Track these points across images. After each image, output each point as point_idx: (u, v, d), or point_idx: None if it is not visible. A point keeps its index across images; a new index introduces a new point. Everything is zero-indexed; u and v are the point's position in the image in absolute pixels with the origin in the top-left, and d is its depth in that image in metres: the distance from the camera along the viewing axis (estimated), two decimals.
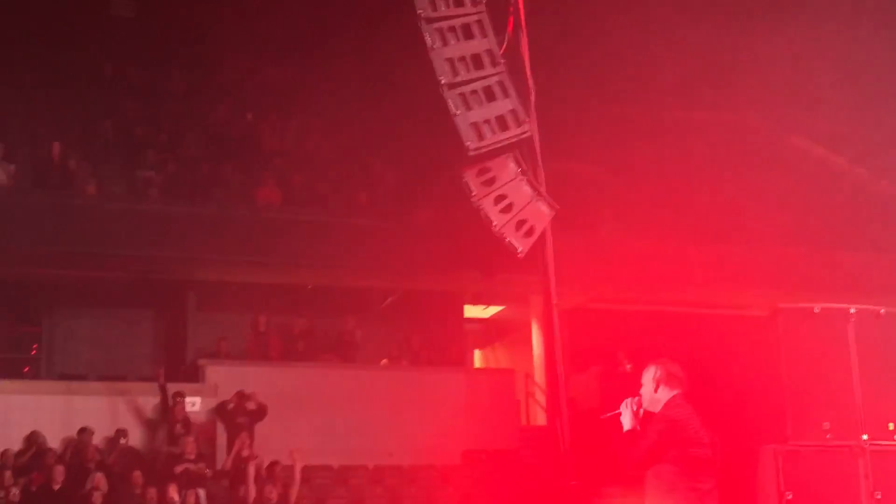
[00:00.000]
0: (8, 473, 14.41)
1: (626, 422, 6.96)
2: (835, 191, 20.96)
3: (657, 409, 6.86)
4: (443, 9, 9.21)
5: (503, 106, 9.73)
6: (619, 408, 7.03)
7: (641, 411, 6.97)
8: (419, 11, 9.03)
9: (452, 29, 9.33)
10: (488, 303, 21.33)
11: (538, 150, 11.58)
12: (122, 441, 15.75)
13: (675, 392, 6.84)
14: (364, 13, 20.03)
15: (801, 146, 21.81)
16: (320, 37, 20.93)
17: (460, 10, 9.34)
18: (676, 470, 6.57)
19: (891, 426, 9.33)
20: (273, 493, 14.82)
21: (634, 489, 7.07)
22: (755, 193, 19.54)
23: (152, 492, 14.39)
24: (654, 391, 6.93)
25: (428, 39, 9.21)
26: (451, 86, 9.36)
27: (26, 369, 18.65)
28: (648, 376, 6.99)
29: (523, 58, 10.77)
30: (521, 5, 9.63)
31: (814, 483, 8.94)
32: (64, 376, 17.84)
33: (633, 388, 7.13)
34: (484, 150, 9.56)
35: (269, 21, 20.27)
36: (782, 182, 20.09)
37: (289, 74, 21.85)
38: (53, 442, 15.61)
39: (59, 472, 14.51)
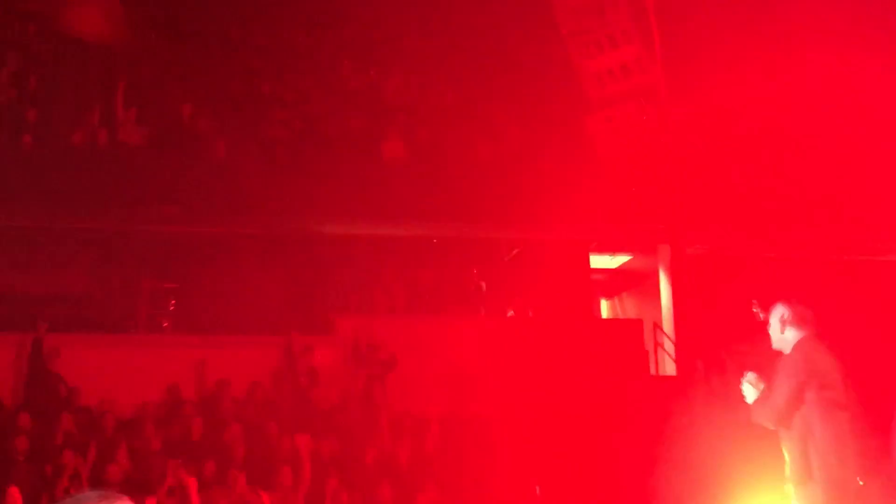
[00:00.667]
0: (149, 425, 14.84)
1: (750, 395, 6.89)
2: None
3: (787, 350, 6.77)
4: None
5: (628, 52, 9.70)
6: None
7: (761, 384, 6.88)
8: None
9: None
10: (615, 252, 21.19)
11: (664, 95, 11.55)
12: (258, 393, 16.04)
13: (804, 333, 6.74)
14: None
15: None
16: None
17: None
18: (817, 413, 6.47)
19: None
20: (407, 443, 15.04)
21: None
22: None
23: (287, 441, 14.67)
24: (781, 331, 6.84)
25: None
26: (574, 33, 9.36)
27: (165, 324, 19.05)
28: (776, 316, 6.89)
29: (646, 2, 10.69)
30: None
31: None
32: (200, 330, 18.16)
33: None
34: (608, 97, 9.56)
35: None
36: None
37: (410, 28, 21.81)
38: (191, 394, 16.01)
39: (198, 423, 14.90)
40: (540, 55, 17.96)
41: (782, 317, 6.82)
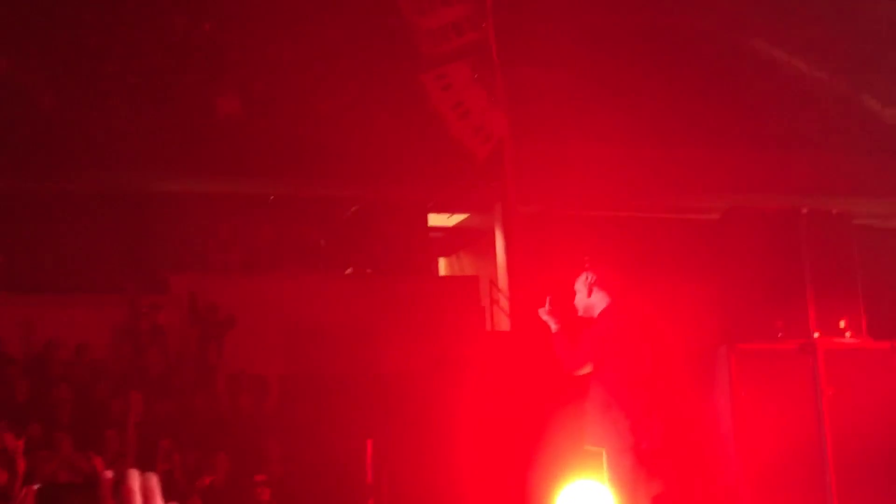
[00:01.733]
0: None
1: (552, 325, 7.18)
2: (791, 94, 20.99)
3: (594, 314, 7.03)
4: None
5: (459, 10, 9.75)
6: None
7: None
8: None
9: None
10: (452, 211, 21.44)
11: (495, 55, 11.61)
12: (88, 353, 15.84)
13: (608, 299, 7.02)
14: None
15: (758, 49, 21.75)
16: None
17: None
18: (610, 389, 6.77)
19: (842, 324, 9.49)
20: (245, 402, 15.02)
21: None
22: (712, 96, 19.60)
23: (118, 403, 14.51)
24: (587, 296, 7.11)
25: None
26: None
27: None
28: (581, 282, 7.16)
29: None
30: None
31: (766, 383, 9.09)
32: (27, 289, 17.82)
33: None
34: (441, 55, 9.60)
35: None
36: (739, 84, 20.13)
37: None
38: (18, 355, 15.70)
39: (23, 385, 14.62)
40: (377, 9, 17.94)
41: (587, 281, 7.09)
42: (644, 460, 7.30)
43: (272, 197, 19.34)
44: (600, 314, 7.21)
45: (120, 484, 2.02)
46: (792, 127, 20.00)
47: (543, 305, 7.58)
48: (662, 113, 19.02)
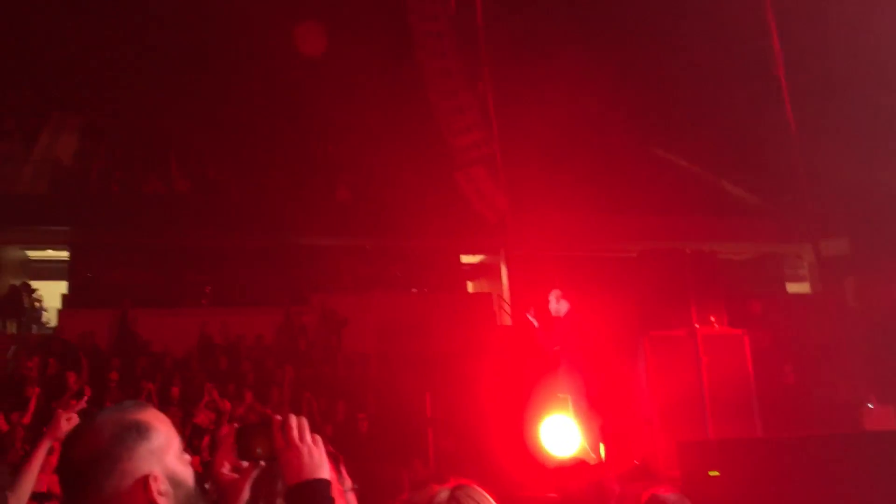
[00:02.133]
0: (194, 362, 14.68)
1: (534, 321, 7.23)
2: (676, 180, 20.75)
3: (561, 315, 7.04)
4: None
5: (477, 135, 9.71)
6: None
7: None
8: None
9: None
10: (475, 253, 21.43)
11: (500, 161, 11.39)
12: (261, 342, 15.86)
13: (569, 306, 7.02)
14: None
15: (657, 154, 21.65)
16: None
17: None
18: (571, 359, 6.82)
19: (712, 319, 9.38)
20: (355, 370, 15.08)
21: None
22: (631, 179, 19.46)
23: (279, 372, 14.46)
24: (556, 303, 7.12)
25: None
26: (447, 124, 9.28)
27: (204, 301, 18.60)
28: (553, 295, 7.21)
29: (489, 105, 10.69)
30: None
31: (667, 355, 8.96)
32: (226, 303, 17.71)
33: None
34: (465, 161, 9.52)
35: None
36: (646, 174, 19.96)
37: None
38: (220, 341, 15.80)
39: (223, 360, 14.67)
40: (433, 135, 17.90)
41: (557, 294, 7.15)
42: (593, 402, 7.33)
43: (369, 247, 19.40)
44: (564, 315, 7.25)
45: (284, 423, 2.02)
46: (680, 199, 19.92)
47: (530, 311, 7.66)
48: (602, 192, 19.09)
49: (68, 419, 3.48)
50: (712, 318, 9.40)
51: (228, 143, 19.96)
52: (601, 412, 7.51)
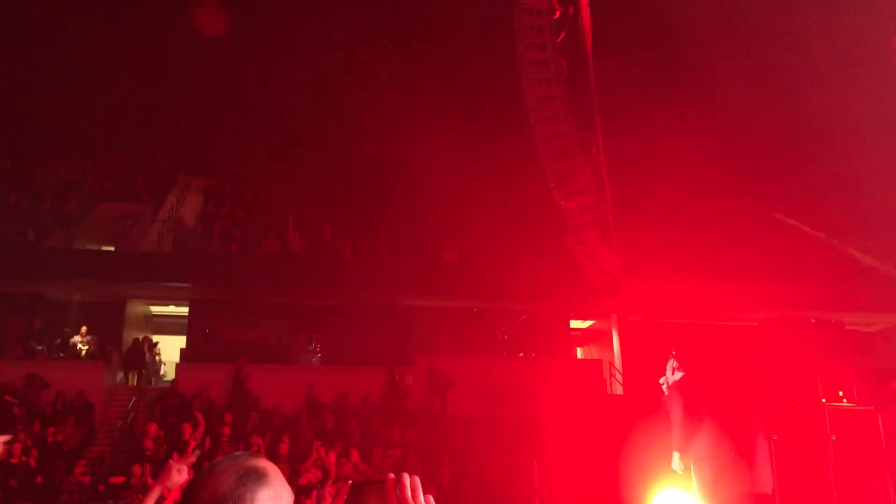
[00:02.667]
0: (304, 419, 14.90)
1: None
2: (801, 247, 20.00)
3: (675, 381, 6.91)
4: None
5: (589, 198, 9.75)
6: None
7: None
8: None
9: None
10: (585, 318, 21.13)
11: (612, 225, 11.40)
12: (368, 401, 15.94)
13: (684, 373, 6.90)
14: None
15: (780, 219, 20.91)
16: None
17: None
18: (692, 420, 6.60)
19: (840, 393, 8.93)
20: (460, 434, 14.91)
21: None
22: (750, 249, 18.89)
23: (385, 431, 14.58)
24: (672, 372, 7.01)
25: None
26: (558, 186, 9.34)
27: (314, 359, 19.06)
28: (669, 364, 7.08)
29: (601, 167, 10.69)
30: None
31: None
32: (333, 362, 18.06)
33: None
34: (577, 224, 9.55)
35: None
36: (767, 242, 19.33)
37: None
38: (326, 401, 15.96)
39: (331, 419, 14.90)
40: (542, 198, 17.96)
41: (673, 364, 7.02)
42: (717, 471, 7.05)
43: (475, 309, 19.42)
44: (679, 380, 7.08)
45: (398, 482, 2.03)
46: (804, 266, 19.11)
47: (663, 378, 7.52)
48: (719, 257, 18.54)
49: (179, 470, 3.62)
50: (841, 393, 8.90)
51: (342, 206, 20.66)
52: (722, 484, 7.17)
